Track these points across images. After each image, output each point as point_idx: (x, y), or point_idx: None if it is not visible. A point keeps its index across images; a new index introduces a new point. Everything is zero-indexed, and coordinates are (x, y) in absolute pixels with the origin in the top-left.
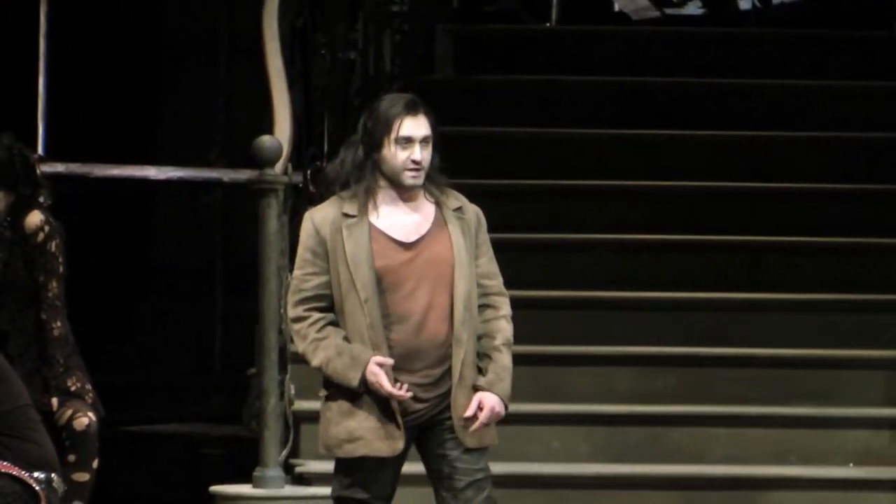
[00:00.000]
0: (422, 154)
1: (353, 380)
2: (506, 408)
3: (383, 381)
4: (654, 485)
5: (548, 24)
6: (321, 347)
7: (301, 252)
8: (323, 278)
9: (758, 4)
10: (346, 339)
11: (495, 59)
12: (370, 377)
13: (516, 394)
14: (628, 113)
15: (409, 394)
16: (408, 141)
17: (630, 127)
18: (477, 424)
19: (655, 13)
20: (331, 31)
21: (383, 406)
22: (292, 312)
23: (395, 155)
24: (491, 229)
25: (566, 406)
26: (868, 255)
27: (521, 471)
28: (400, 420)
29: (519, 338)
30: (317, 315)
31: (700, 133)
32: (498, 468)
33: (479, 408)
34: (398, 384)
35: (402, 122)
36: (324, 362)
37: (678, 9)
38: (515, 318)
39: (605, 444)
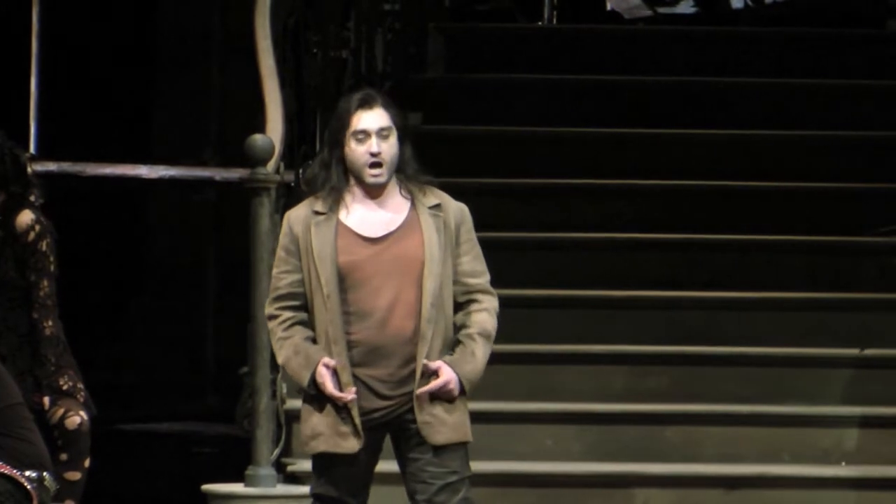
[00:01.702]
0: (380, 146)
1: (304, 380)
2: (463, 392)
3: (327, 383)
4: (646, 483)
5: (540, 23)
6: (284, 346)
7: (278, 251)
8: (295, 276)
9: (750, 3)
10: (313, 339)
11: (487, 57)
12: (318, 378)
13: (508, 392)
14: (620, 112)
15: (353, 397)
16: (363, 134)
17: (622, 126)
18: (424, 389)
19: (648, 12)
20: (323, 30)
21: (341, 406)
22: (267, 310)
23: (354, 150)
24: (482, 228)
25: (559, 405)
26: (860, 254)
27: (513, 469)
28: (357, 419)
29: (511, 336)
30: (287, 314)
31: (693, 132)
32: (490, 467)
33: (436, 374)
34: (349, 388)
35: (355, 116)
36: (285, 361)
37: (671, 7)
38: (508, 317)
39: (598, 442)
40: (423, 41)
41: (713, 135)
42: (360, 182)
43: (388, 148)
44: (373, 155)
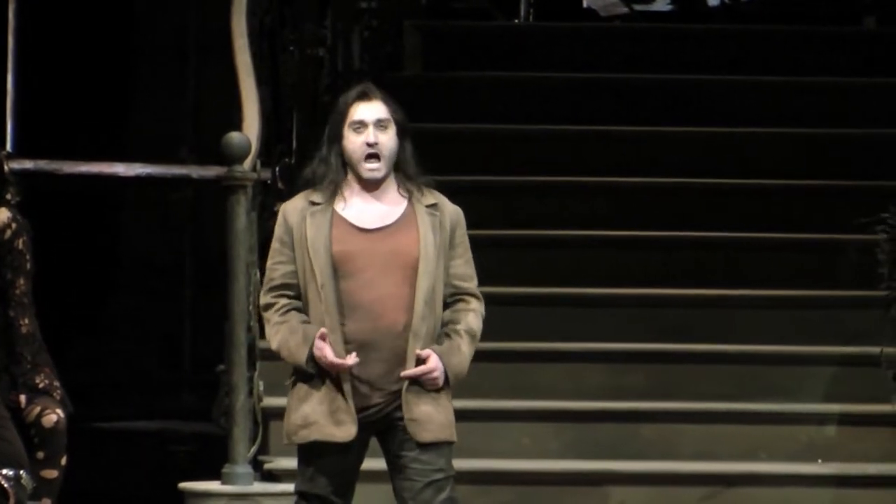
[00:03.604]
0: (377, 136)
1: (303, 356)
2: (447, 382)
3: (327, 353)
4: (624, 481)
5: (517, 21)
6: (281, 330)
7: (272, 242)
8: (290, 267)
9: (727, 0)
10: (308, 323)
11: (464, 55)
12: (316, 352)
13: (486, 390)
14: (598, 109)
15: (356, 360)
16: (361, 125)
17: (600, 123)
18: (409, 372)
19: (624, 10)
20: (300, 28)
21: (336, 392)
22: (262, 300)
23: (352, 141)
24: None
25: (536, 402)
26: (840, 252)
27: (490, 467)
28: (352, 405)
29: (489, 334)
30: (283, 301)
31: (671, 129)
32: (468, 465)
33: (424, 361)
34: (350, 356)
35: (353, 107)
36: (281, 343)
37: (647, 5)
38: (486, 314)
39: (576, 440)
40: (399, 39)
41: (691, 132)
42: (358, 176)
43: (386, 140)
44: (369, 145)
